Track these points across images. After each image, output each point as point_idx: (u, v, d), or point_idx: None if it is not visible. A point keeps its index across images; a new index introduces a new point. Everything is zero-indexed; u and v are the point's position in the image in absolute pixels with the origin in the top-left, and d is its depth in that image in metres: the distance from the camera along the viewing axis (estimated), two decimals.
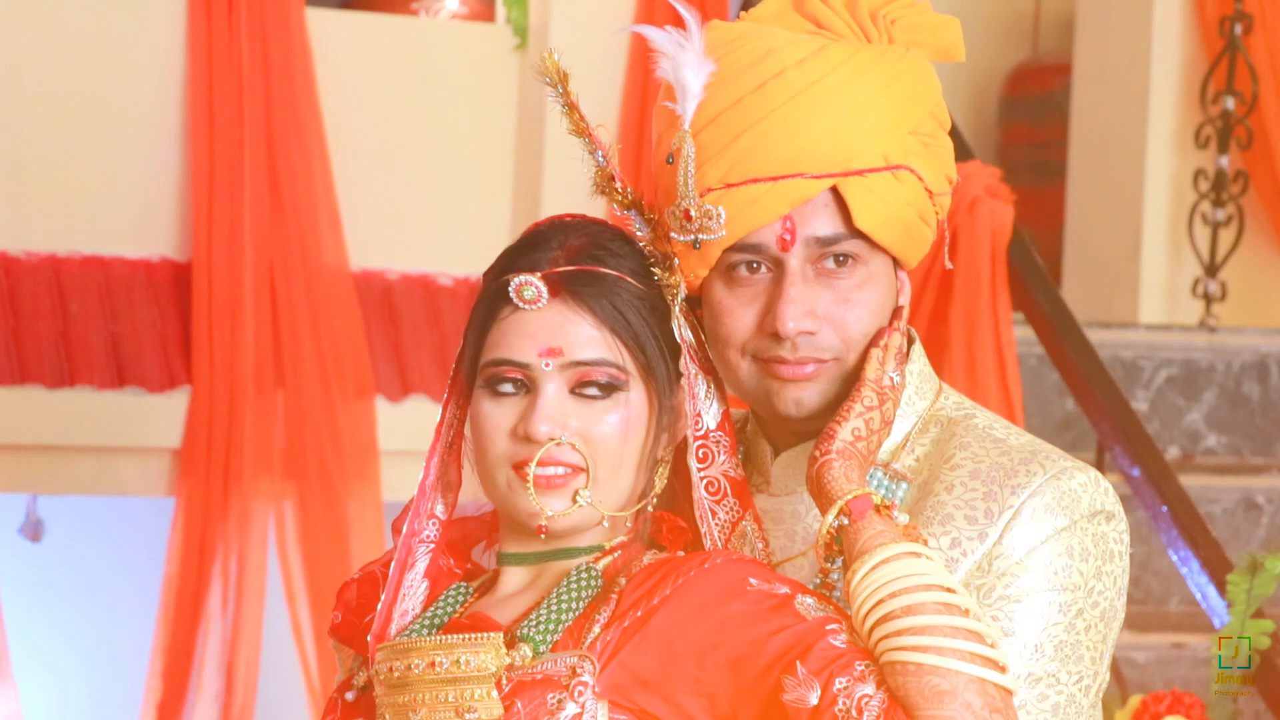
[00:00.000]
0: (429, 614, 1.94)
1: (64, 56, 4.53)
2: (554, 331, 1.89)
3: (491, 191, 4.83)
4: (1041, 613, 1.90)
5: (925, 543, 1.83)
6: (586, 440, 1.89)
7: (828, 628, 1.79)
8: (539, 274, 1.90)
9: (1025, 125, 6.05)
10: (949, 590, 1.78)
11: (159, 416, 4.50)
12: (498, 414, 1.91)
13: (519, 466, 1.89)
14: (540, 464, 1.88)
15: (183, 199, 4.56)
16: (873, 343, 1.95)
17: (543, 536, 1.90)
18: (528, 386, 1.90)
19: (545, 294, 1.89)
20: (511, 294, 1.90)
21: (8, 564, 4.90)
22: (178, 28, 4.53)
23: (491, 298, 1.93)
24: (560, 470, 1.89)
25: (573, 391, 1.90)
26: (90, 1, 4.57)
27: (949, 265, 2.08)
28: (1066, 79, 5.57)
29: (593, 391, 1.90)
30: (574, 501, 1.89)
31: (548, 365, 1.88)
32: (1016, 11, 6.32)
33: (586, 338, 1.89)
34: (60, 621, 5.76)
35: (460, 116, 4.81)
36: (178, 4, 4.55)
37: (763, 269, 1.95)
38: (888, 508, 1.84)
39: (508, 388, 1.91)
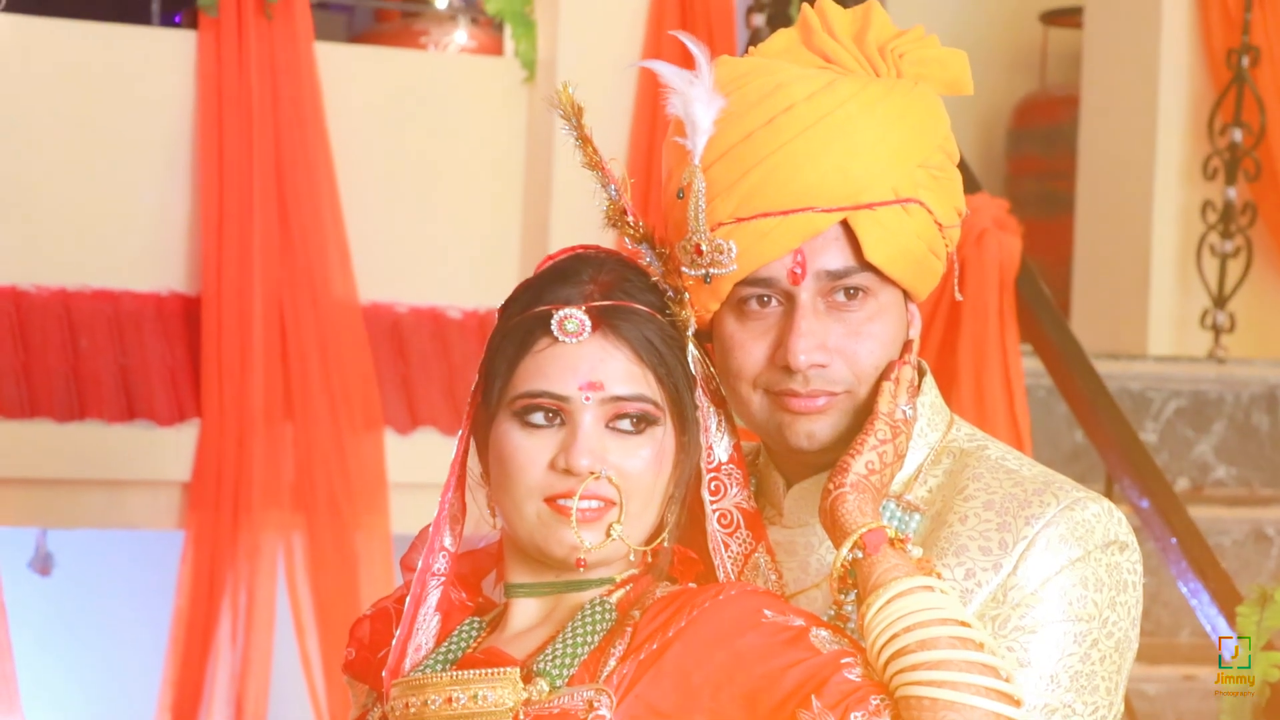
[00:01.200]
0: (443, 649, 1.94)
1: (74, 91, 4.54)
2: (594, 365, 1.89)
3: (500, 224, 4.83)
4: (1057, 643, 1.90)
5: (940, 576, 1.83)
6: (621, 474, 1.89)
7: (843, 661, 1.79)
8: (581, 307, 1.90)
9: (1033, 157, 6.06)
10: (964, 624, 1.78)
11: (168, 450, 4.51)
12: (531, 446, 1.90)
13: (553, 499, 1.89)
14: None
15: (192, 233, 4.58)
16: (884, 376, 1.95)
17: (581, 570, 1.90)
18: (562, 419, 1.90)
19: (588, 327, 1.90)
20: (553, 326, 1.90)
21: (17, 597, 4.90)
22: (187, 62, 4.55)
23: (527, 329, 1.92)
24: (595, 504, 1.88)
25: (607, 425, 1.90)
26: (100, 37, 4.59)
27: (959, 297, 2.08)
28: (1074, 111, 5.58)
29: (626, 426, 1.90)
30: (608, 535, 1.89)
31: (588, 399, 1.88)
32: (1024, 44, 6.34)
33: (625, 372, 1.90)
34: (69, 655, 5.76)
35: (469, 150, 4.82)
36: (187, 39, 4.56)
37: (773, 302, 1.95)
38: (902, 541, 1.85)
39: (540, 419, 1.90)
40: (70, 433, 4.44)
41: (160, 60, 4.57)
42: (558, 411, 1.89)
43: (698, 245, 1.93)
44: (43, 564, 5.60)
